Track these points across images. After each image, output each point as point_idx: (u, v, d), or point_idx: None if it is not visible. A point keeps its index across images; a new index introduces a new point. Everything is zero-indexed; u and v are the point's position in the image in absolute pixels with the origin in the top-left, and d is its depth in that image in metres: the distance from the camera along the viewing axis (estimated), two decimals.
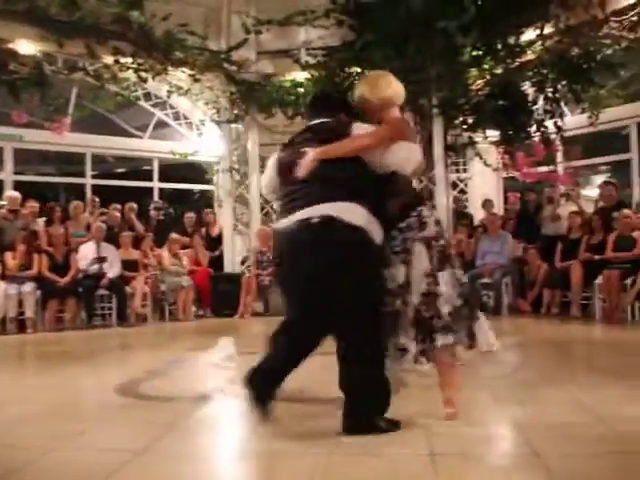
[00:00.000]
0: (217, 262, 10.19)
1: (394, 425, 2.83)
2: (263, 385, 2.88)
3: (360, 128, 2.92)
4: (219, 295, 9.46)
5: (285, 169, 2.95)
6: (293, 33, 10.02)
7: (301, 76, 9.90)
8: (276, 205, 3.20)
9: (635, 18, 8.04)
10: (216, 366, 4.98)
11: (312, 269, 2.73)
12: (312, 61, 9.73)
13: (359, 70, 9.45)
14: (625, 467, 2.32)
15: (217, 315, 9.30)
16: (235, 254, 10.39)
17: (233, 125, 10.45)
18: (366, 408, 2.82)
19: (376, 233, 2.79)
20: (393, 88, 3.11)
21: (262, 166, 11.43)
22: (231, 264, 10.31)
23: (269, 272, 9.41)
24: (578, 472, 2.29)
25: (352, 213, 2.71)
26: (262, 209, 10.74)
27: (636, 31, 8.19)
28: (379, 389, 2.82)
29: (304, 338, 2.94)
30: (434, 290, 2.84)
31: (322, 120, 3.02)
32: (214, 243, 10.36)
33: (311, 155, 2.82)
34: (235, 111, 10.21)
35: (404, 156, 2.93)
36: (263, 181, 3.20)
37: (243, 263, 10.24)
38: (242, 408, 3.55)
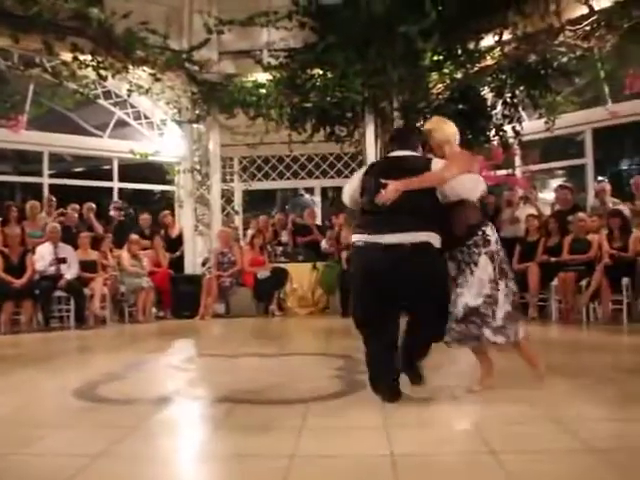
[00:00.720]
0: (177, 263, 10.11)
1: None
2: (394, 380, 3.50)
3: (438, 163, 3.57)
4: (179, 296, 9.39)
5: (370, 193, 3.53)
6: (255, 34, 10.02)
7: (263, 77, 9.90)
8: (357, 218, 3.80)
9: (588, 28, 8.28)
10: (176, 368, 4.94)
11: (415, 277, 3.44)
12: (274, 62, 9.75)
13: (320, 72, 9.51)
14: (578, 465, 2.40)
15: (177, 317, 9.22)
16: (196, 255, 10.32)
17: (194, 125, 10.38)
18: (421, 364, 3.79)
19: None
20: (453, 128, 3.82)
21: (224, 167, 11.43)
22: (192, 265, 10.24)
23: (230, 273, 9.39)
24: (534, 471, 2.36)
25: (435, 239, 3.48)
26: (223, 210, 10.72)
27: (589, 40, 8.43)
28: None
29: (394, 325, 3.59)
30: (495, 294, 3.56)
31: (406, 153, 3.67)
32: (174, 244, 10.27)
33: (395, 186, 3.37)
34: (196, 111, 10.15)
35: (471, 186, 3.64)
36: (347, 191, 3.83)
37: (204, 264, 10.17)
38: (202, 410, 3.55)
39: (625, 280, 7.11)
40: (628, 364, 4.90)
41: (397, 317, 3.58)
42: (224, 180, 11.33)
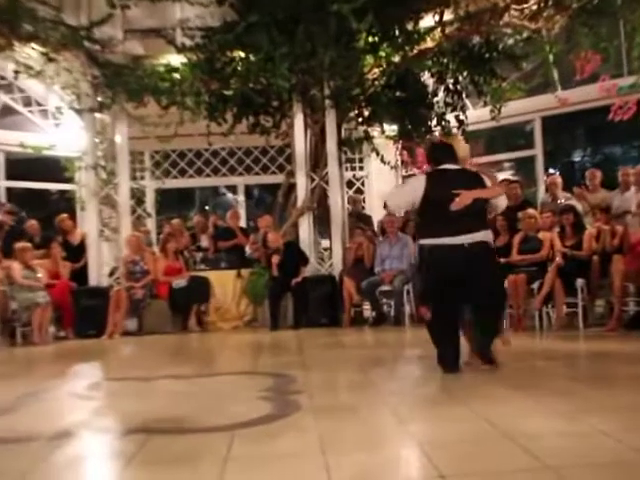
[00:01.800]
0: (80, 274, 9.84)
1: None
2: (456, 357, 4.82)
3: (487, 180, 4.91)
4: (83, 312, 9.15)
5: (442, 200, 4.63)
6: (167, 10, 9.85)
7: (176, 60, 9.75)
8: (418, 221, 5.15)
9: (535, 7, 8.57)
10: (79, 397, 4.80)
11: (481, 269, 4.71)
12: (189, 43, 9.60)
13: (242, 55, 9.46)
14: None
15: (81, 336, 8.98)
16: (101, 264, 10.08)
17: (97, 115, 10.12)
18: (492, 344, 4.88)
19: None
20: (467, 146, 5.33)
21: (133, 162, 11.22)
22: (97, 276, 9.98)
23: (142, 284, 9.22)
24: None
25: (491, 238, 4.92)
26: (133, 212, 10.49)
27: (537, 21, 8.73)
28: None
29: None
30: None
31: (458, 167, 4.89)
32: (75, 252, 10.00)
33: (470, 195, 4.64)
34: (99, 98, 9.88)
35: (505, 203, 5.11)
36: (402, 197, 4.97)
37: (111, 275, 9.96)
38: (110, 444, 3.45)
39: (580, 281, 7.37)
40: (584, 374, 5.08)
41: (462, 306, 4.83)
42: (133, 178, 11.12)
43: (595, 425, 3.13)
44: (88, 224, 10.24)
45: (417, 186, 4.81)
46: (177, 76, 9.67)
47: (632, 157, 12.21)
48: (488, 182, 4.91)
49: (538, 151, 10.95)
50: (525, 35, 9.41)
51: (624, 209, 8.07)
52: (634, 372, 4.86)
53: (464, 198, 4.58)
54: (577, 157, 13.54)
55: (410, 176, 12.06)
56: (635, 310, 7.39)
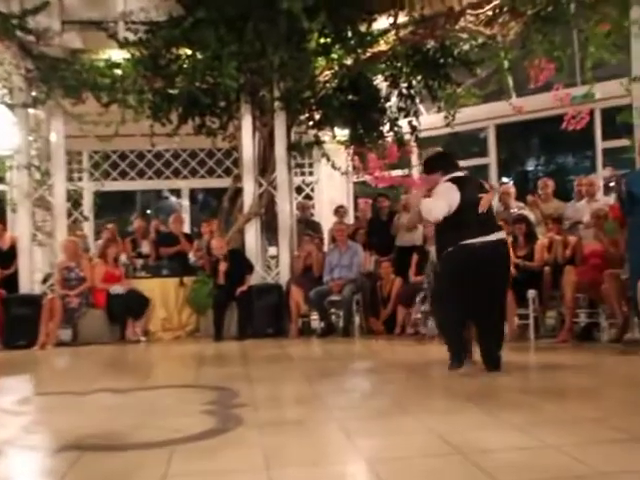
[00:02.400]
0: (10, 281, 9.59)
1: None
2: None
3: (485, 184, 5.72)
4: (13, 322, 8.92)
5: (471, 203, 5.23)
6: (108, 1, 9.72)
7: (118, 55, 9.60)
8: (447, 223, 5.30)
9: (491, 13, 8.74)
10: (6, 412, 4.67)
11: (502, 266, 5.44)
12: (132, 37, 9.46)
13: (189, 52, 9.39)
14: None
15: (10, 347, 8.74)
16: (34, 271, 9.85)
17: (31, 111, 9.90)
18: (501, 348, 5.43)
19: None
20: None
21: (70, 163, 11.03)
22: (28, 283, 9.73)
23: (78, 292, 9.05)
24: None
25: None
26: (69, 215, 10.28)
27: (492, 27, 8.91)
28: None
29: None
30: None
31: (463, 174, 5.52)
32: (5, 258, 9.74)
33: (488, 197, 5.37)
34: (33, 93, 9.67)
35: None
36: (443, 206, 5.19)
37: (45, 282, 9.75)
38: (40, 463, 3.36)
39: (531, 292, 7.51)
40: (536, 386, 5.18)
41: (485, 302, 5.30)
42: (70, 179, 10.93)
43: (546, 439, 3.19)
44: (20, 227, 9.98)
45: (453, 193, 5.23)
46: (119, 72, 9.51)
47: (584, 167, 12.54)
48: (487, 186, 5.66)
49: (492, 159, 11.15)
50: (480, 41, 9.57)
51: (576, 219, 8.28)
52: (584, 384, 4.98)
53: (486, 201, 5.28)
54: (530, 166, 13.84)
55: (362, 183, 12.19)
56: (586, 322, 7.58)
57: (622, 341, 6.75)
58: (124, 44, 9.40)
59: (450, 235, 5.25)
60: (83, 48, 9.76)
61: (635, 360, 5.97)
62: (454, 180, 5.34)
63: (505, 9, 8.68)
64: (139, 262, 10.16)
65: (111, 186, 12.02)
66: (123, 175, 12.17)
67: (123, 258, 10.05)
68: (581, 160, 13.19)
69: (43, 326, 8.75)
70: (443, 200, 5.23)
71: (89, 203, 11.77)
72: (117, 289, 9.17)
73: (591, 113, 10.20)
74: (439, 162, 5.64)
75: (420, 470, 2.85)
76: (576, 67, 10.07)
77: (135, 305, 9.15)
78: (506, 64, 9.80)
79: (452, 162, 5.65)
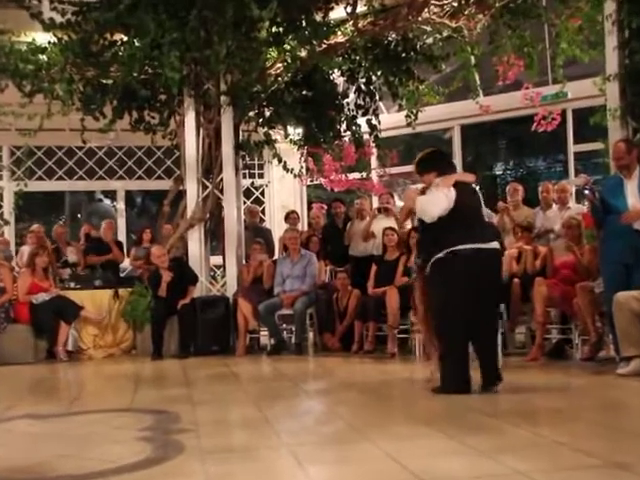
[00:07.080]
0: None
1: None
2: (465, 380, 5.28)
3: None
4: None
5: (468, 207, 5.31)
6: None
7: (44, 38, 9.44)
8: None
9: (456, 4, 8.87)
10: None
11: (497, 273, 5.63)
12: (59, 19, 9.27)
13: (125, 38, 9.28)
14: None
15: None
16: None
17: None
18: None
19: None
20: None
21: None
22: None
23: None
24: None
25: None
26: None
27: (458, 19, 9.04)
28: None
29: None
30: None
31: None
32: None
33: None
34: None
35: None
36: (440, 205, 5.17)
37: None
38: None
39: (499, 306, 7.59)
40: (502, 408, 5.22)
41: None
42: None
43: (515, 465, 3.22)
44: None
45: (450, 193, 5.21)
46: (44, 58, 9.36)
47: (556, 172, 12.74)
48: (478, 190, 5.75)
49: (457, 162, 11.27)
50: (445, 34, 9.70)
51: (546, 228, 8.37)
52: (556, 406, 5.05)
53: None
54: (498, 170, 14.03)
55: (317, 186, 12.21)
56: (558, 338, 7.69)
57: (596, 359, 6.87)
58: (50, 26, 9.13)
59: (440, 239, 5.22)
60: (2, 29, 9.50)
61: (609, 380, 6.06)
62: (456, 183, 5.39)
63: (472, 0, 8.82)
64: (66, 272, 9.95)
65: (36, 186, 11.84)
66: (50, 174, 12.00)
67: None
68: (553, 164, 13.42)
69: None
70: (436, 200, 5.24)
71: (10, 205, 11.56)
72: (41, 296, 8.95)
73: (563, 114, 10.41)
74: (434, 162, 5.56)
75: None
76: (547, 64, 10.26)
77: (65, 309, 8.95)
78: (472, 60, 9.96)
79: (448, 162, 5.72)
